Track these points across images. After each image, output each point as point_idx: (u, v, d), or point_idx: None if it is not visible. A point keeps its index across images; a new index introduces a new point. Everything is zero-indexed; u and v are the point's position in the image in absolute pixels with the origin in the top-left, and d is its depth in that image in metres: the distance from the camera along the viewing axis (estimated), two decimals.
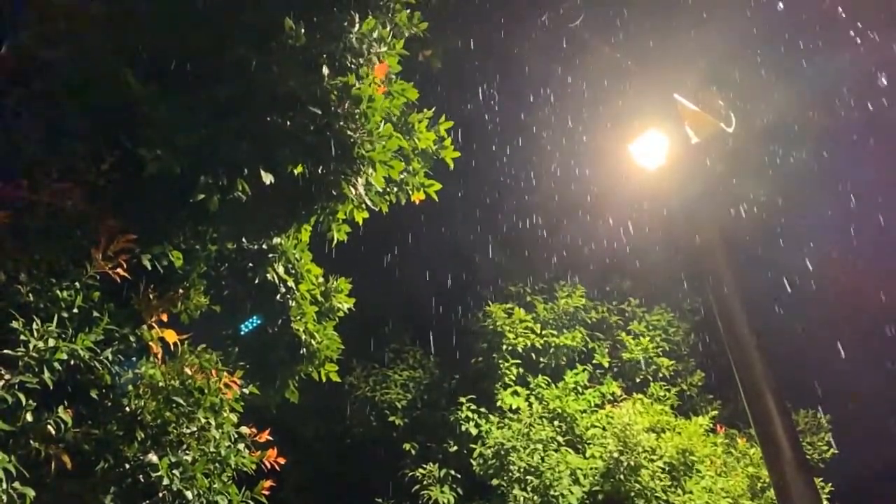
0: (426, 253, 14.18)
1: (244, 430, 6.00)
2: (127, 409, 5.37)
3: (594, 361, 13.26)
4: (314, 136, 5.48)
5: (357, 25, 5.85)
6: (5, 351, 4.54)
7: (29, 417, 4.57)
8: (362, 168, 5.76)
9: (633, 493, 10.65)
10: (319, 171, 5.71)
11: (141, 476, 5.21)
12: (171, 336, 5.76)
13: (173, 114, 5.29)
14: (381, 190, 6.31)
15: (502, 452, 11.19)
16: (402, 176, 6.72)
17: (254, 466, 5.95)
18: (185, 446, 5.51)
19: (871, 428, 15.72)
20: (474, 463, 11.48)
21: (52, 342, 4.68)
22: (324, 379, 7.36)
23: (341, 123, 5.50)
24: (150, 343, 5.69)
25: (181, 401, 5.52)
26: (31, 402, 4.57)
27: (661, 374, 13.31)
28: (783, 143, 13.98)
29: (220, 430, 5.72)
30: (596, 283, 14.31)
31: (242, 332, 7.19)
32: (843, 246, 15.23)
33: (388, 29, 6.15)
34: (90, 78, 5.49)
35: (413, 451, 12.28)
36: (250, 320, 7.17)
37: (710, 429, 12.26)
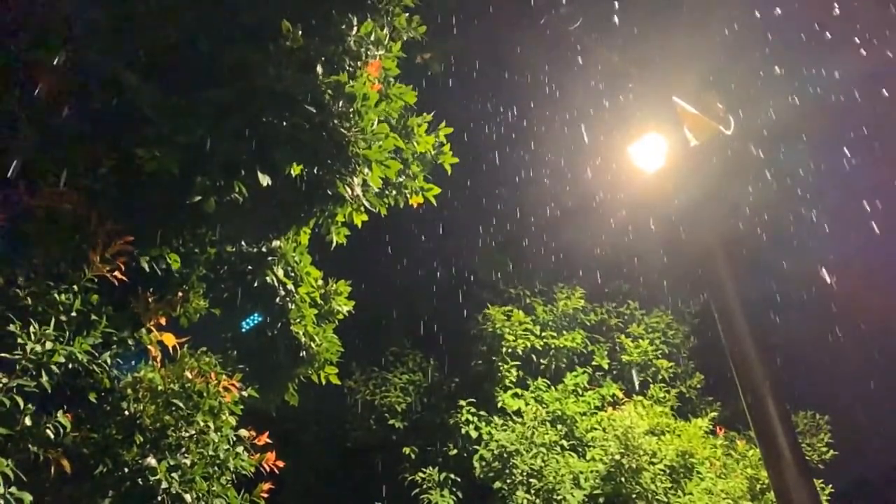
0: (425, 256, 14.18)
1: (243, 433, 5.99)
2: (126, 412, 5.36)
3: (594, 363, 13.25)
4: (310, 134, 5.47)
5: (355, 28, 5.85)
6: (2, 354, 4.54)
7: (28, 421, 4.58)
8: (358, 167, 5.75)
9: (633, 495, 10.64)
10: (316, 171, 5.70)
11: (140, 479, 5.20)
12: (169, 340, 5.75)
13: (172, 113, 5.29)
14: (378, 190, 6.29)
15: (505, 455, 11.18)
16: (400, 179, 6.72)
17: (253, 469, 5.94)
18: (183, 449, 5.50)
19: (871, 430, 15.71)
20: (476, 466, 11.46)
21: (49, 345, 4.69)
22: (323, 382, 7.36)
23: (335, 122, 5.49)
24: (149, 346, 5.69)
25: (180, 404, 5.51)
26: (29, 405, 4.57)
27: (660, 377, 13.31)
28: (783, 146, 13.99)
29: (219, 434, 5.71)
30: (595, 285, 14.30)
31: (243, 329, 7.18)
32: (843, 248, 15.23)
33: (386, 32, 6.15)
34: (89, 80, 5.50)
35: (413, 455, 12.27)
36: (250, 317, 7.17)
37: (709, 430, 12.25)
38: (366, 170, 5.83)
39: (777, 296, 13.97)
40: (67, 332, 4.92)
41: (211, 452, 5.62)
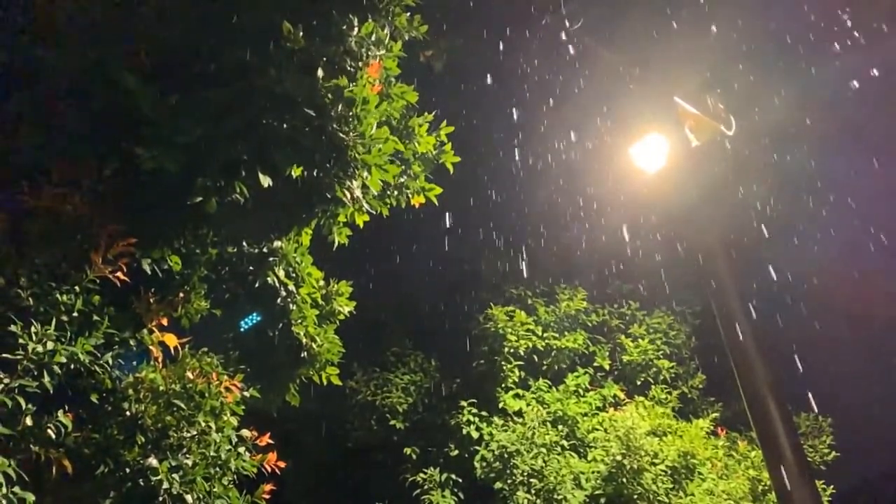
0: (427, 256, 14.18)
1: (245, 433, 5.99)
2: (127, 413, 5.37)
3: (595, 364, 13.25)
4: (309, 137, 5.47)
5: (356, 29, 5.85)
6: (4, 355, 4.54)
7: (29, 421, 4.58)
8: (357, 171, 5.75)
9: (635, 496, 10.64)
10: (316, 173, 5.70)
11: (141, 480, 5.20)
12: (171, 340, 5.75)
13: (172, 113, 5.29)
14: (378, 193, 6.30)
15: (506, 456, 11.18)
16: (401, 180, 6.72)
17: (254, 470, 5.94)
18: (185, 450, 5.50)
19: (873, 431, 15.70)
20: (477, 466, 11.46)
21: (50, 345, 4.69)
22: (325, 382, 7.36)
23: (334, 126, 5.49)
24: (151, 347, 5.69)
25: (182, 404, 5.51)
26: (31, 405, 4.58)
27: (661, 377, 13.30)
28: (784, 146, 13.99)
29: (221, 434, 5.71)
30: (596, 286, 14.30)
31: (242, 329, 7.18)
32: (845, 248, 15.22)
33: (387, 32, 6.15)
34: (90, 81, 5.50)
35: (414, 455, 12.26)
36: (249, 317, 7.18)
37: (711, 431, 12.25)
38: (365, 173, 5.83)
39: (778, 296, 13.97)
40: (69, 333, 4.92)
41: (212, 453, 5.62)
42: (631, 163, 7.03)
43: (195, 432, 5.57)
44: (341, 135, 5.52)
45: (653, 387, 13.09)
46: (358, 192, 5.89)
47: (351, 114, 5.57)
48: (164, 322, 5.85)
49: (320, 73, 5.50)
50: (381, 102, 6.07)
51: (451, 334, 13.71)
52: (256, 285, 6.83)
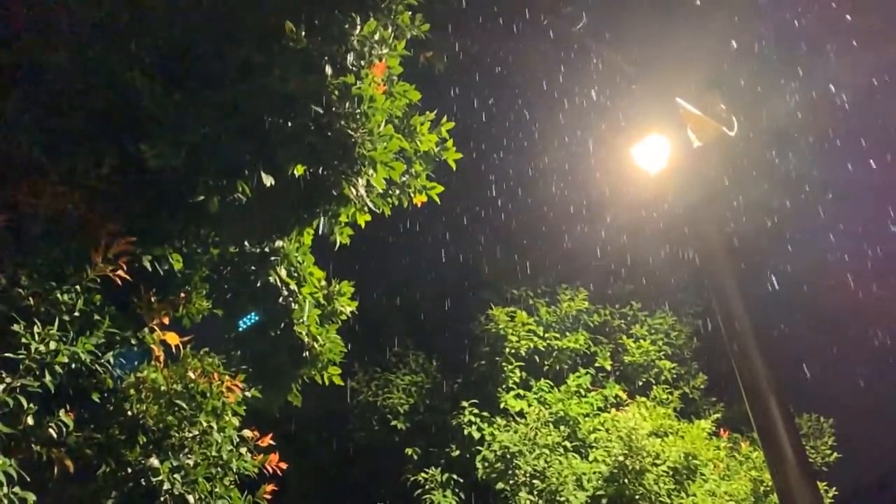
0: (428, 256, 14.17)
1: (246, 433, 5.98)
2: (129, 412, 5.36)
3: (596, 364, 13.24)
4: (315, 135, 5.47)
5: (358, 27, 5.84)
6: (6, 354, 4.54)
7: (30, 421, 4.58)
8: (363, 168, 5.74)
9: (637, 497, 10.63)
10: (320, 171, 5.69)
11: (143, 480, 5.20)
12: (172, 339, 5.75)
13: (176, 112, 5.29)
14: (382, 191, 6.29)
15: (507, 456, 11.18)
16: (403, 178, 6.71)
17: (256, 470, 5.94)
18: (186, 450, 5.50)
19: (874, 433, 15.68)
20: (479, 466, 11.46)
21: (52, 345, 4.69)
22: (326, 383, 7.34)
23: (342, 123, 5.49)
24: (152, 346, 5.69)
25: (183, 404, 5.51)
26: (32, 405, 4.57)
27: (663, 377, 13.29)
28: (785, 147, 13.97)
29: (222, 434, 5.71)
30: (598, 286, 14.28)
31: (241, 328, 7.17)
32: (848, 249, 15.21)
33: (390, 31, 6.14)
34: (92, 80, 5.50)
35: (415, 456, 12.26)
36: (248, 316, 7.16)
37: (713, 432, 12.24)
38: (370, 171, 5.82)
39: (780, 297, 13.96)
40: (70, 333, 4.92)
41: (214, 453, 5.61)
42: (632, 163, 7.02)
43: (197, 432, 5.56)
44: (349, 132, 5.51)
45: (654, 387, 13.09)
46: (362, 190, 5.89)
47: (358, 111, 5.56)
48: (166, 321, 5.85)
49: (328, 70, 5.49)
50: (385, 101, 6.06)
51: (452, 335, 13.71)
52: (258, 285, 6.82)
